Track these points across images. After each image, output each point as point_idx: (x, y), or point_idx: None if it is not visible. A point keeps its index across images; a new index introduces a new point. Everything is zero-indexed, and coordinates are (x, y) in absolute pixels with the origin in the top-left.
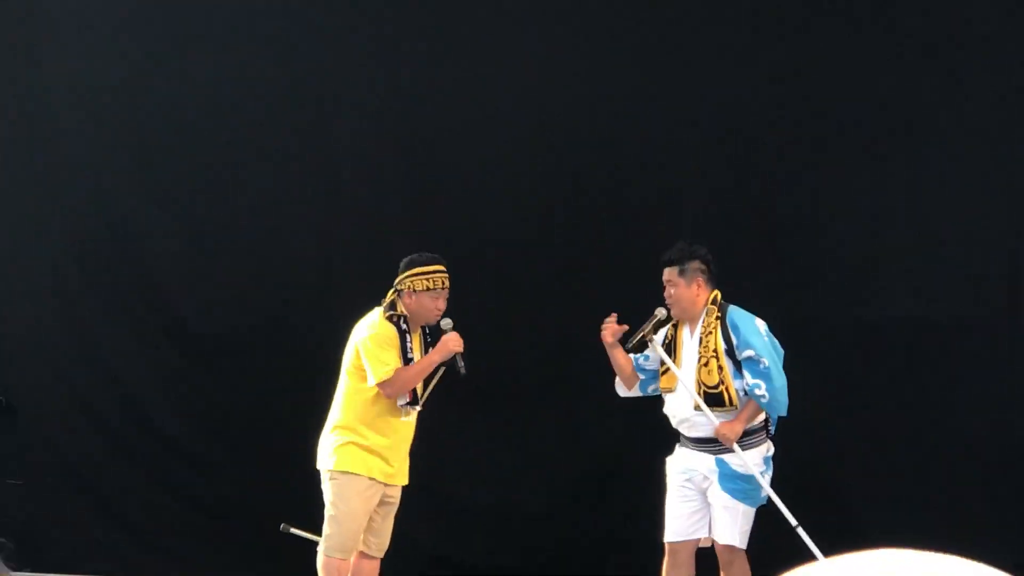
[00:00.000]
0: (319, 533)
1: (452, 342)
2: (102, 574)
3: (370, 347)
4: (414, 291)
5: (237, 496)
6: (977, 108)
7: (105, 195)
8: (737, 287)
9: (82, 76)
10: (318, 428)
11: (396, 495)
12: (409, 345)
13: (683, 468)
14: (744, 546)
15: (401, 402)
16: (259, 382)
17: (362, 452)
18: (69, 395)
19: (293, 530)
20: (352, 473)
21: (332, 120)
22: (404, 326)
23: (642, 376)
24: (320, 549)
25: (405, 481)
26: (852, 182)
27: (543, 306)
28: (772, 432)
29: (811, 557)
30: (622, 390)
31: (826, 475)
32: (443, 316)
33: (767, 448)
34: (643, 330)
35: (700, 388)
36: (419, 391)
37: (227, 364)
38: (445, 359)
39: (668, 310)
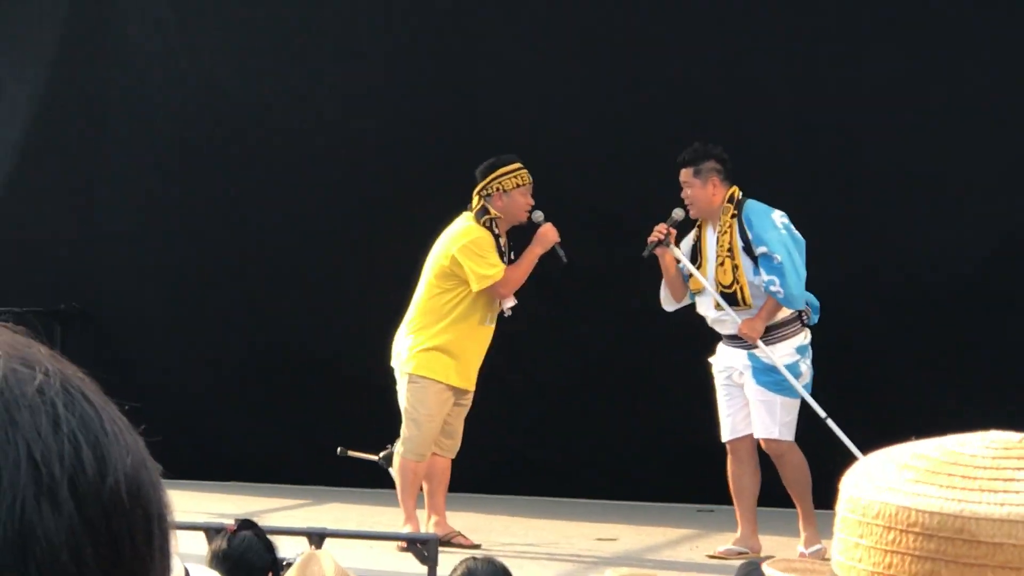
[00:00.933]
0: (373, 451)
1: (551, 233)
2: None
3: (473, 251)
4: (504, 191)
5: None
6: None
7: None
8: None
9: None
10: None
11: (469, 399)
12: (502, 249)
13: (723, 366)
14: (789, 437)
15: (508, 304)
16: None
17: (443, 357)
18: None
19: (351, 453)
20: (431, 378)
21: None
22: (496, 230)
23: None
24: (397, 451)
25: (473, 386)
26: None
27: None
28: (810, 321)
29: (845, 449)
30: (669, 304)
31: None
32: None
33: (802, 338)
34: (659, 233)
35: (718, 287)
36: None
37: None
38: (546, 249)
39: (686, 211)
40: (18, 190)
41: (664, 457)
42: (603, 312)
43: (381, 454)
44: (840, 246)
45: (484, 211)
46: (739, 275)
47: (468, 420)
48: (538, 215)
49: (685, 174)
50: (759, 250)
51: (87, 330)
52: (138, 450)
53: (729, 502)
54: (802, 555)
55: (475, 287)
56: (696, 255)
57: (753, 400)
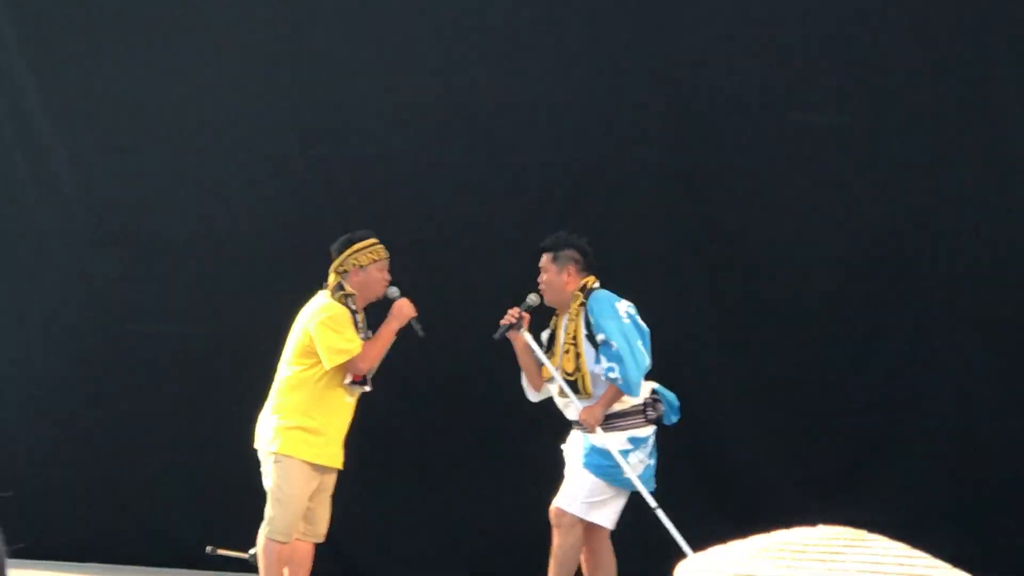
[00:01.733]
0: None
1: (406, 307)
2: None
3: (329, 328)
4: (360, 267)
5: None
6: None
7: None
8: None
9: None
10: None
11: (333, 480)
12: (359, 325)
13: (569, 447)
14: (581, 514)
15: (347, 381)
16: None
17: (308, 436)
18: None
19: (220, 551)
20: (296, 458)
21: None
22: (352, 306)
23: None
24: (262, 532)
25: (341, 465)
26: None
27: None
28: (663, 420)
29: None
30: (532, 394)
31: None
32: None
33: (641, 431)
34: (511, 317)
35: (563, 374)
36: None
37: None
38: (403, 324)
39: (540, 296)
40: None
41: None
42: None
43: (251, 551)
44: None
45: (340, 287)
46: (581, 363)
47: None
48: (393, 291)
49: (544, 259)
50: (599, 337)
51: None
52: None
53: None
54: None
55: (327, 363)
56: (551, 343)
57: (569, 474)
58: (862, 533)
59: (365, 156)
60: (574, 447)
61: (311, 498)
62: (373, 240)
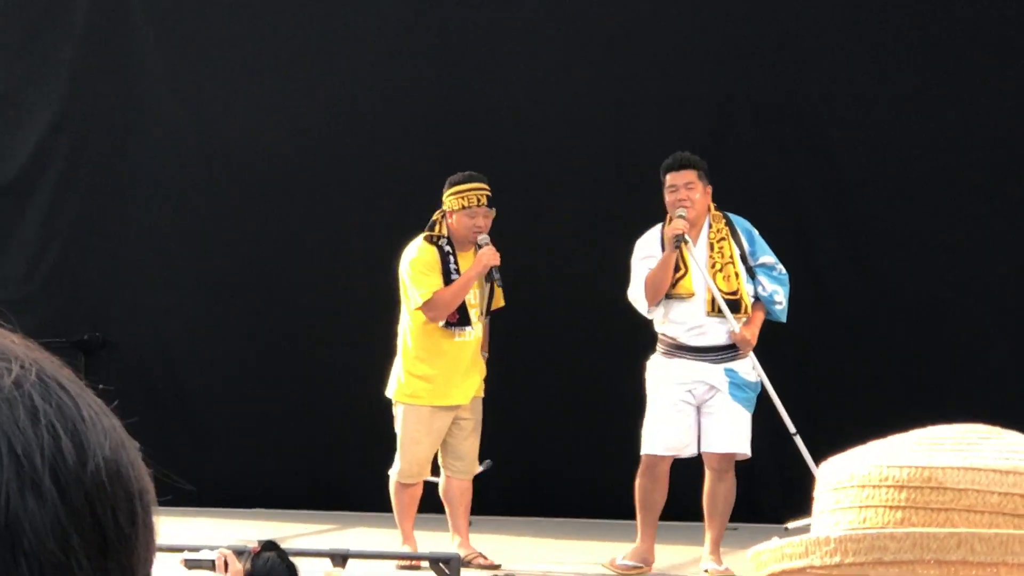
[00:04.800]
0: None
1: (486, 256)
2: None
3: (409, 272)
4: (452, 211)
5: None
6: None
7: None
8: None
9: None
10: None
11: (469, 414)
12: (454, 266)
13: (685, 380)
14: (748, 453)
15: (441, 324)
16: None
17: (416, 381)
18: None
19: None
20: (408, 403)
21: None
22: (448, 247)
23: None
24: (389, 473)
25: (469, 399)
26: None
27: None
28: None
29: (806, 466)
30: (650, 305)
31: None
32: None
33: (752, 355)
34: (682, 227)
35: (721, 294)
36: (471, 311)
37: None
38: (481, 274)
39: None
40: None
41: (680, 474)
42: (607, 325)
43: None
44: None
45: (433, 226)
46: (740, 283)
47: (486, 440)
48: (483, 238)
49: (688, 175)
50: (761, 260)
51: (111, 359)
52: (115, 432)
53: (748, 520)
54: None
55: (408, 308)
56: (677, 261)
57: (726, 415)
58: (996, 428)
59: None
60: (705, 380)
61: (451, 435)
62: (465, 185)
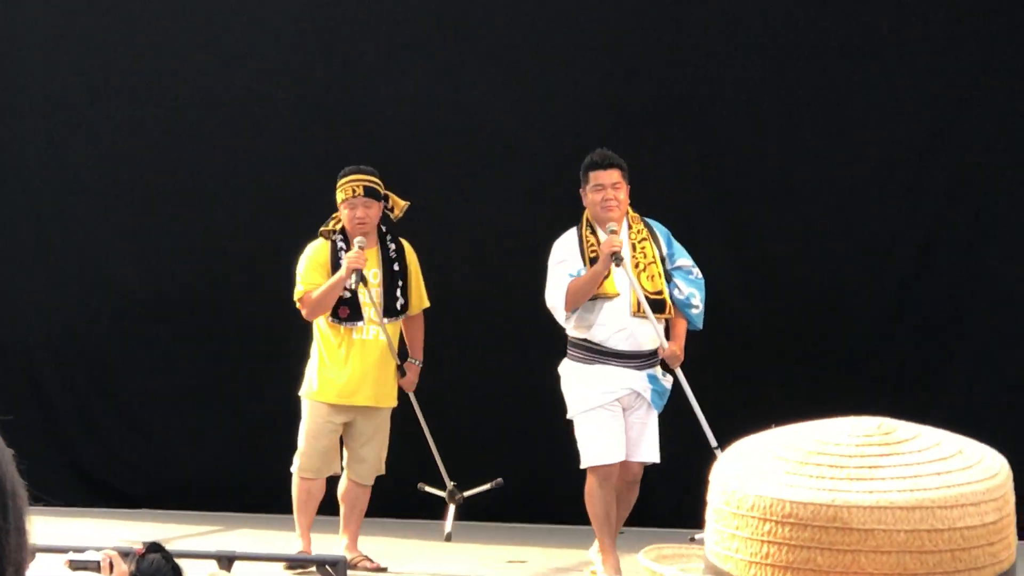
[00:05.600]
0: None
1: (350, 259)
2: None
3: (298, 267)
4: (339, 204)
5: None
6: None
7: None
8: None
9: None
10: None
11: (370, 418)
12: (342, 262)
13: (612, 387)
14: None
15: (331, 319)
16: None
17: (317, 375)
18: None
19: (427, 488)
20: (306, 398)
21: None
22: (342, 242)
23: None
24: (292, 469)
25: (377, 403)
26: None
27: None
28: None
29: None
30: (567, 316)
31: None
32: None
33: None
34: (616, 245)
35: (645, 295)
36: (364, 308)
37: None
38: (349, 276)
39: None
40: None
41: (569, 478)
42: (501, 327)
43: (448, 489)
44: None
45: (333, 222)
46: (663, 283)
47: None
48: (359, 240)
49: (617, 175)
50: (679, 262)
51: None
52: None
53: (639, 524)
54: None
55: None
56: (592, 262)
57: (650, 424)
58: (890, 426)
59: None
60: (630, 386)
61: (351, 438)
62: (346, 177)
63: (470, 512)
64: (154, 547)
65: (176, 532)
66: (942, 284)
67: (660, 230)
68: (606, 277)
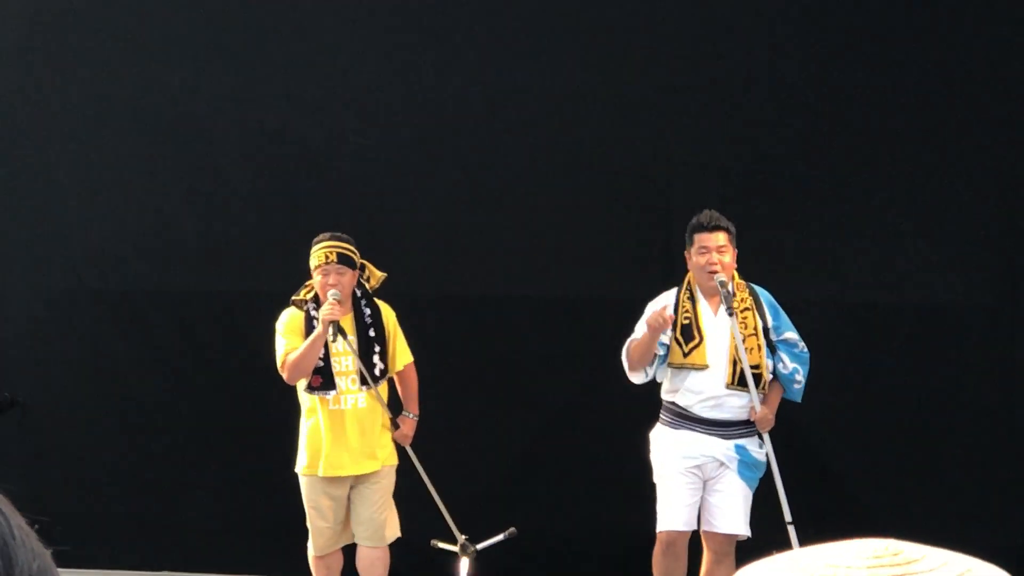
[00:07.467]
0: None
1: (324, 312)
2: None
3: (276, 335)
4: (312, 271)
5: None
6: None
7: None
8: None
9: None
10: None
11: (366, 481)
12: (315, 327)
13: (693, 453)
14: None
15: (302, 386)
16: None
17: (306, 450)
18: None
19: (440, 544)
20: (300, 473)
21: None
22: (315, 310)
23: (661, 351)
24: (308, 545)
25: (362, 471)
26: (859, 170)
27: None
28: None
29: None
30: (640, 376)
31: (824, 463)
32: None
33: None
34: (728, 298)
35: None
36: (339, 378)
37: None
38: (326, 332)
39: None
40: None
41: (589, 534)
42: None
43: (460, 542)
44: None
45: (304, 291)
46: (762, 356)
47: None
48: (333, 293)
49: (724, 238)
50: (784, 335)
51: (16, 417)
52: (44, 557)
53: None
54: None
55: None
56: (691, 328)
57: (733, 494)
58: (903, 550)
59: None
60: (712, 455)
61: (352, 502)
62: (318, 244)
63: (485, 570)
64: None
65: None
66: None
67: (766, 299)
68: (692, 339)
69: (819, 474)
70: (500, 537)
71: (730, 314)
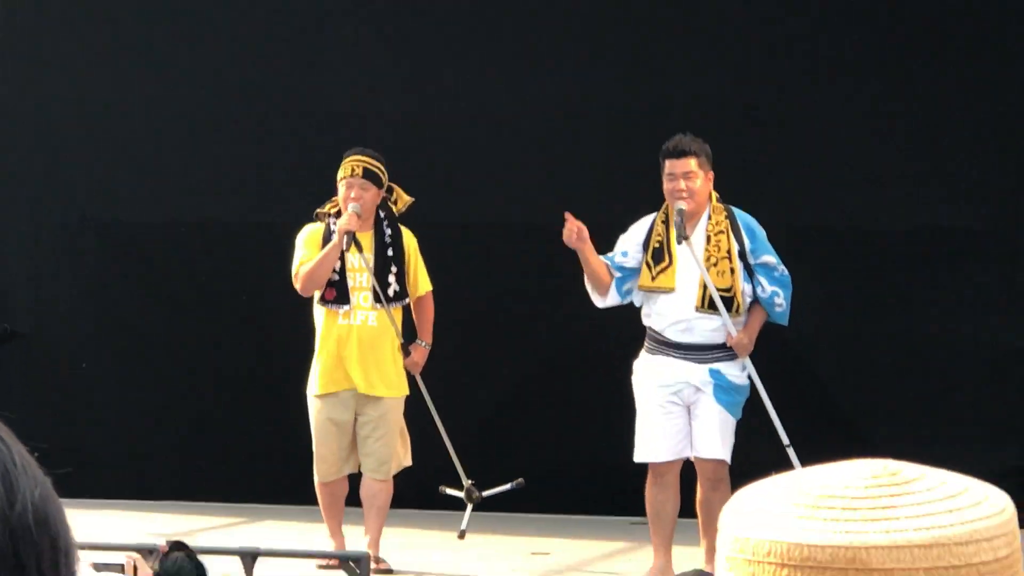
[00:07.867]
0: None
1: (341, 224)
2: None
3: (295, 249)
4: (337, 182)
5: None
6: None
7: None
8: (734, 193)
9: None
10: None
11: (372, 408)
12: (334, 239)
13: (668, 381)
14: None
15: (316, 298)
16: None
17: (315, 367)
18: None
19: (448, 490)
20: (309, 396)
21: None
22: (334, 224)
23: (618, 274)
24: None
25: (371, 391)
26: (856, 92)
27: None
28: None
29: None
30: (600, 300)
31: (822, 386)
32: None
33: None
34: (680, 227)
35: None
36: (353, 293)
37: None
38: (340, 243)
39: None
40: None
41: (595, 470)
42: (532, 321)
43: (465, 487)
44: None
45: (329, 204)
46: (735, 279)
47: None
48: (353, 206)
49: (693, 163)
50: (762, 259)
51: (17, 349)
52: (46, 485)
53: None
54: None
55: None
56: (663, 253)
57: (710, 419)
58: (901, 469)
59: None
60: (688, 381)
61: (357, 432)
62: (346, 157)
63: (491, 503)
64: (178, 545)
65: (201, 525)
66: None
67: (744, 222)
68: (662, 261)
69: (817, 398)
70: (507, 487)
71: (679, 243)
